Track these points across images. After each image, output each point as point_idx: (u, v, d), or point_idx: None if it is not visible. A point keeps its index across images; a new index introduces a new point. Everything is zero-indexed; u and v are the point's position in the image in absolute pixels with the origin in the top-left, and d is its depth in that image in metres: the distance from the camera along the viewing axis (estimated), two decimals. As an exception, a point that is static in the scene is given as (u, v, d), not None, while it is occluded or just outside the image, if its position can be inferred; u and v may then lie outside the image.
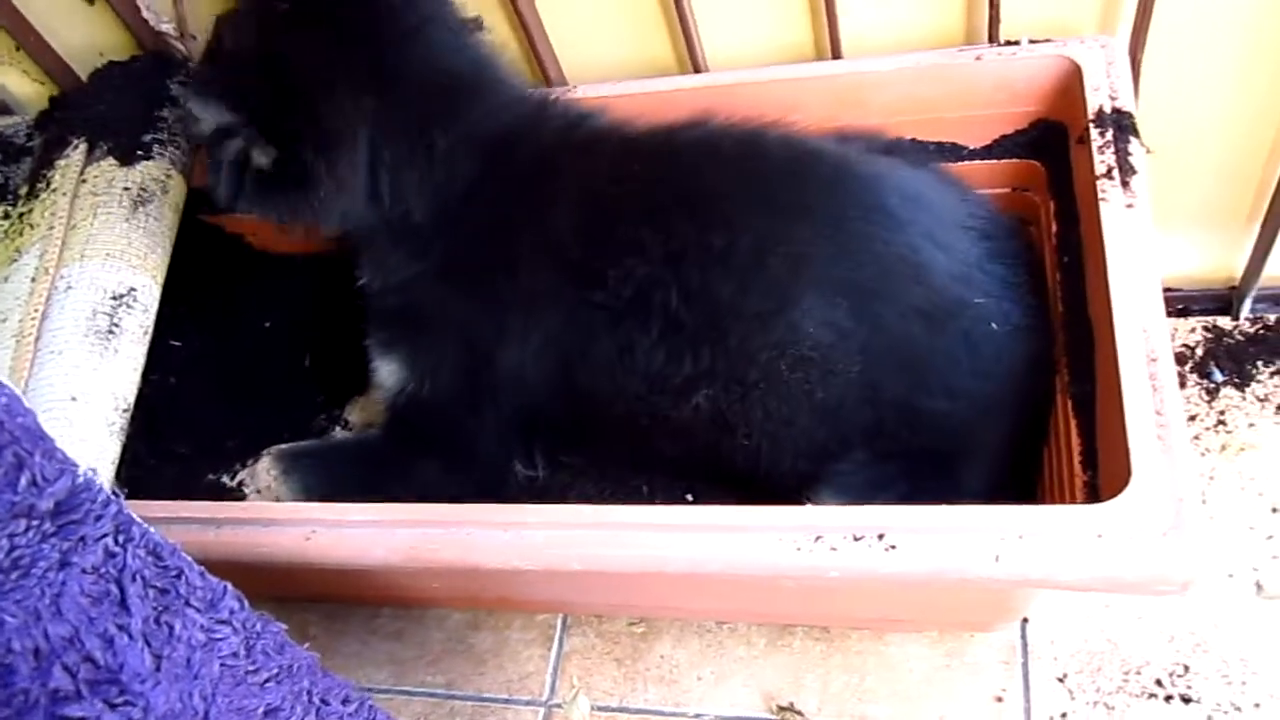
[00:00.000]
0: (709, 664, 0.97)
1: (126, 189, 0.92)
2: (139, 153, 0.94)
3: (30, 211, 0.93)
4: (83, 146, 0.95)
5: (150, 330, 0.90)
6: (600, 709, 0.97)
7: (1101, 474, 0.70)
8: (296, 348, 1.13)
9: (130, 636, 0.42)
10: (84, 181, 0.92)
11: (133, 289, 0.89)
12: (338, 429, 1.07)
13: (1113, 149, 0.78)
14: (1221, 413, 0.99)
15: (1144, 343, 0.68)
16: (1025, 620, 0.92)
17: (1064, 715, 0.87)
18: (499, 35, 0.98)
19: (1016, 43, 0.87)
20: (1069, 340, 0.79)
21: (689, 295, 0.79)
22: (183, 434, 1.04)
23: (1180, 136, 0.91)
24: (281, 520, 0.77)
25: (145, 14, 1.00)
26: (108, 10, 1.02)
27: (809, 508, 0.68)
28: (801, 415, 0.80)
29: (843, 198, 0.80)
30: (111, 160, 0.93)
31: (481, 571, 0.74)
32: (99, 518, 0.45)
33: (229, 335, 1.12)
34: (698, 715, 0.94)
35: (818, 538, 0.66)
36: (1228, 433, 0.98)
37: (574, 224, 0.84)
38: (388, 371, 0.93)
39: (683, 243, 0.80)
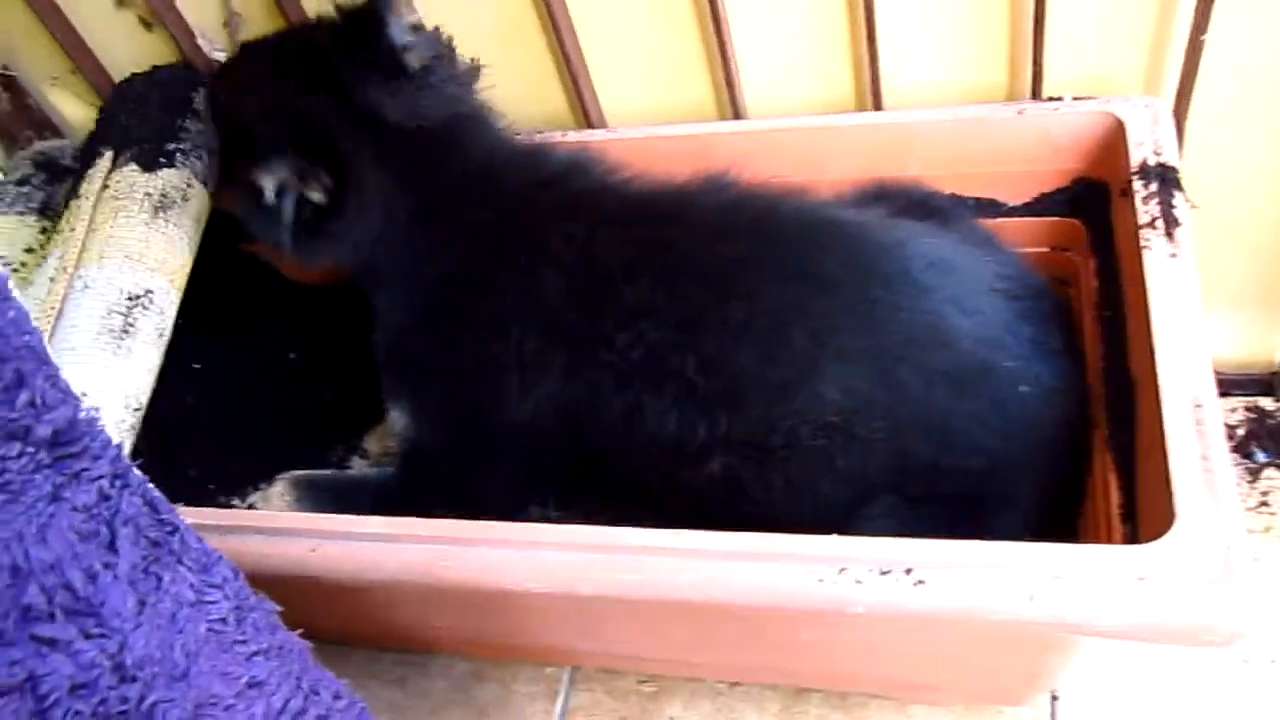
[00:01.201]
0: (719, 728, 0.93)
1: (148, 194, 0.92)
2: (161, 160, 0.95)
3: (60, 220, 0.94)
4: (109, 154, 0.96)
5: (167, 334, 0.90)
6: (604, 768, 0.93)
7: (1142, 523, 0.67)
8: (319, 379, 1.12)
9: (115, 577, 0.40)
10: (106, 187, 0.93)
11: (149, 291, 0.88)
12: (355, 458, 1.05)
13: (1157, 200, 0.76)
14: (1265, 494, 0.96)
15: (1189, 388, 0.66)
16: (1055, 698, 0.87)
17: (1095, 802, 0.82)
18: (542, 75, 1.00)
19: (1060, 99, 0.86)
20: (1109, 394, 0.76)
21: (705, 362, 0.78)
22: (198, 457, 1.03)
23: (1220, 216, 0.90)
24: (289, 530, 0.74)
25: (200, 40, 1.02)
26: (164, 34, 1.04)
27: (835, 538, 0.65)
28: (824, 481, 0.78)
29: (864, 267, 0.79)
30: (134, 166, 0.94)
31: (491, 595, 0.71)
32: (97, 457, 0.43)
33: (252, 362, 1.12)
34: (705, 780, 0.90)
35: (842, 569, 0.63)
36: (1270, 514, 0.94)
37: (568, 284, 0.83)
38: (395, 416, 0.92)
39: (700, 310, 0.79)
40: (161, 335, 0.89)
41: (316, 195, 0.86)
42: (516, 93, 0.96)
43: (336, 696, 0.53)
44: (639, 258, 0.81)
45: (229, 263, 1.12)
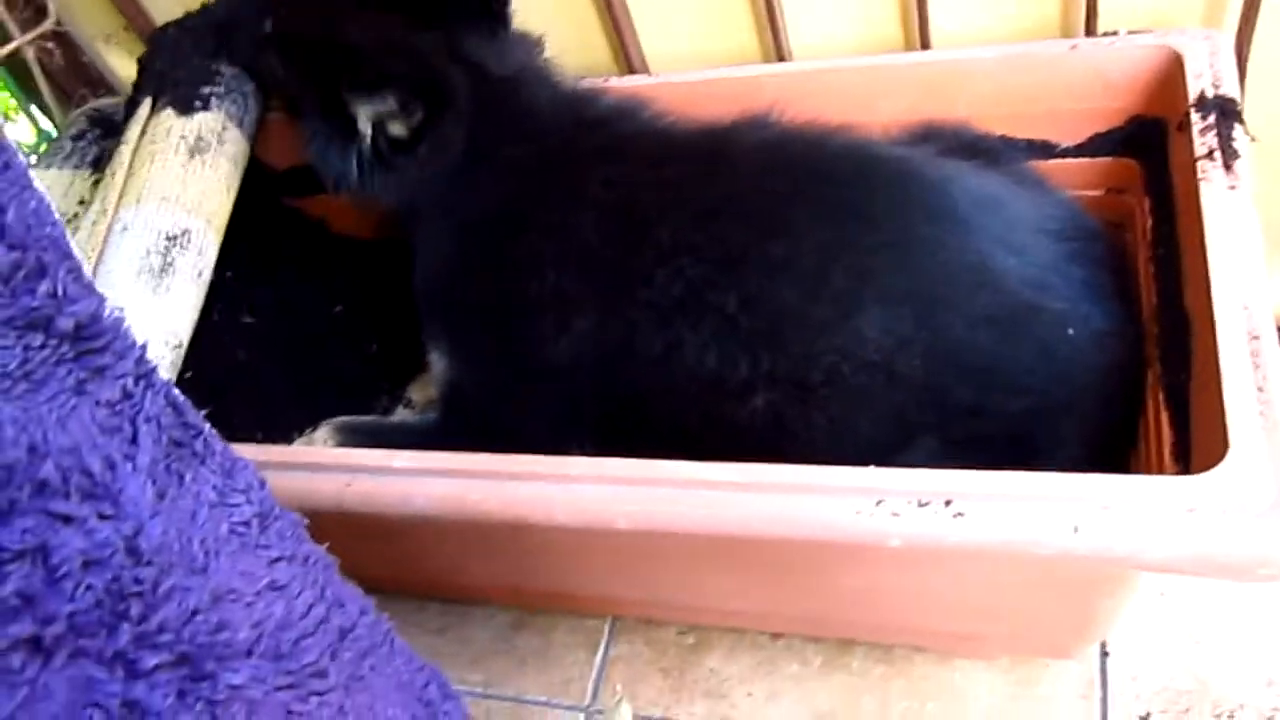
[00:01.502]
0: (760, 680, 0.92)
1: (183, 137, 0.93)
2: (196, 104, 0.96)
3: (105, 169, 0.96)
4: (147, 102, 0.97)
5: (206, 273, 0.91)
6: (643, 719, 0.92)
7: (1195, 458, 0.64)
8: (365, 332, 1.13)
9: (135, 468, 0.40)
10: (144, 133, 0.94)
11: (187, 230, 0.89)
12: (400, 408, 1.06)
13: (1215, 132, 0.73)
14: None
15: (1245, 320, 0.63)
16: (1105, 654, 0.85)
17: (1146, 756, 0.79)
18: (586, 23, 0.99)
19: (1115, 33, 0.84)
20: (1163, 333, 0.74)
21: (746, 298, 0.77)
22: (247, 408, 1.04)
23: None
24: (325, 465, 0.75)
25: (250, -7, 1.03)
26: (215, -10, 1.05)
27: (872, 469, 0.64)
28: (865, 419, 0.76)
29: (909, 204, 0.77)
30: (170, 111, 0.95)
31: (526, 531, 0.71)
32: (121, 356, 0.43)
33: (301, 317, 1.12)
34: (745, 731, 0.89)
35: (879, 501, 0.62)
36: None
37: (606, 224, 0.82)
38: (435, 359, 0.93)
39: (741, 247, 0.78)
40: (200, 274, 0.90)
41: (398, 130, 0.88)
42: (560, 40, 0.95)
43: (363, 612, 0.53)
44: (678, 197, 0.81)
45: (277, 219, 1.13)
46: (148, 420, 0.43)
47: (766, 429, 0.78)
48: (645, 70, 1.00)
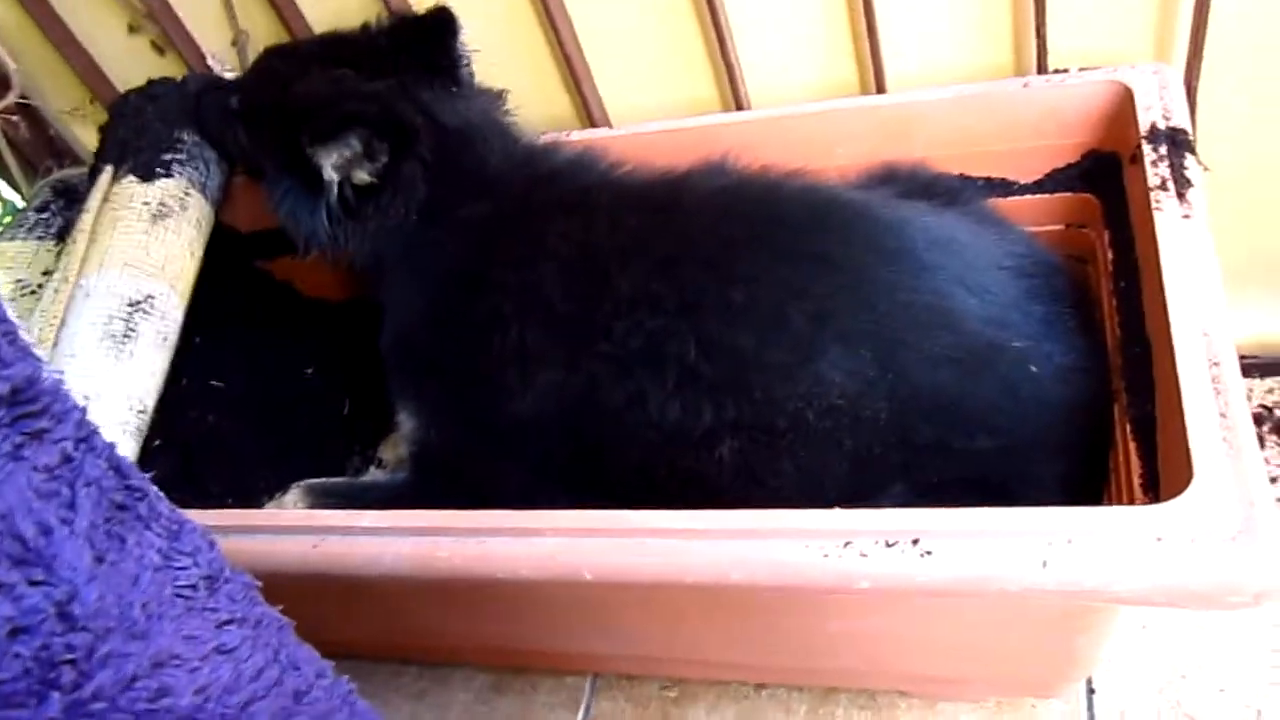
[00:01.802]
0: (745, 732, 0.90)
1: (146, 203, 0.94)
2: (159, 170, 0.96)
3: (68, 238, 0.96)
4: (109, 170, 0.97)
5: (171, 337, 0.90)
6: (626, 777, 0.91)
7: (1163, 488, 0.64)
8: (336, 394, 1.13)
9: (72, 532, 0.39)
10: (107, 200, 0.95)
11: (150, 296, 0.89)
12: (372, 468, 1.05)
13: (1167, 163, 0.74)
14: (1307, 471, 0.92)
15: (1205, 347, 0.63)
16: (1092, 691, 0.84)
17: (1136, 795, 0.78)
18: (545, 78, 1.00)
19: (1065, 71, 0.85)
20: (1126, 364, 0.74)
21: (707, 346, 0.77)
22: (218, 472, 1.03)
23: (1256, 185, 0.87)
24: (291, 527, 0.74)
25: (210, 61, 1.04)
26: (176, 58, 1.06)
27: (838, 511, 0.63)
28: (832, 463, 0.76)
29: (865, 246, 0.78)
30: (132, 178, 0.96)
31: (496, 588, 0.70)
32: (60, 420, 0.42)
33: (271, 379, 1.12)
34: (729, 784, 0.87)
35: (847, 543, 0.61)
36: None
37: (564, 276, 0.82)
38: (404, 418, 0.92)
39: (698, 294, 0.78)
40: (165, 339, 0.90)
41: (363, 176, 0.88)
42: (522, 97, 0.96)
43: (320, 674, 0.51)
44: (634, 245, 0.81)
45: (245, 282, 1.13)
46: (88, 484, 0.42)
47: (734, 477, 0.77)
48: (607, 123, 1.01)
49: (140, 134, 0.98)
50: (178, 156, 0.98)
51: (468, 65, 0.94)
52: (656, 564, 0.65)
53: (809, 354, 0.74)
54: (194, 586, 0.45)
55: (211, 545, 0.48)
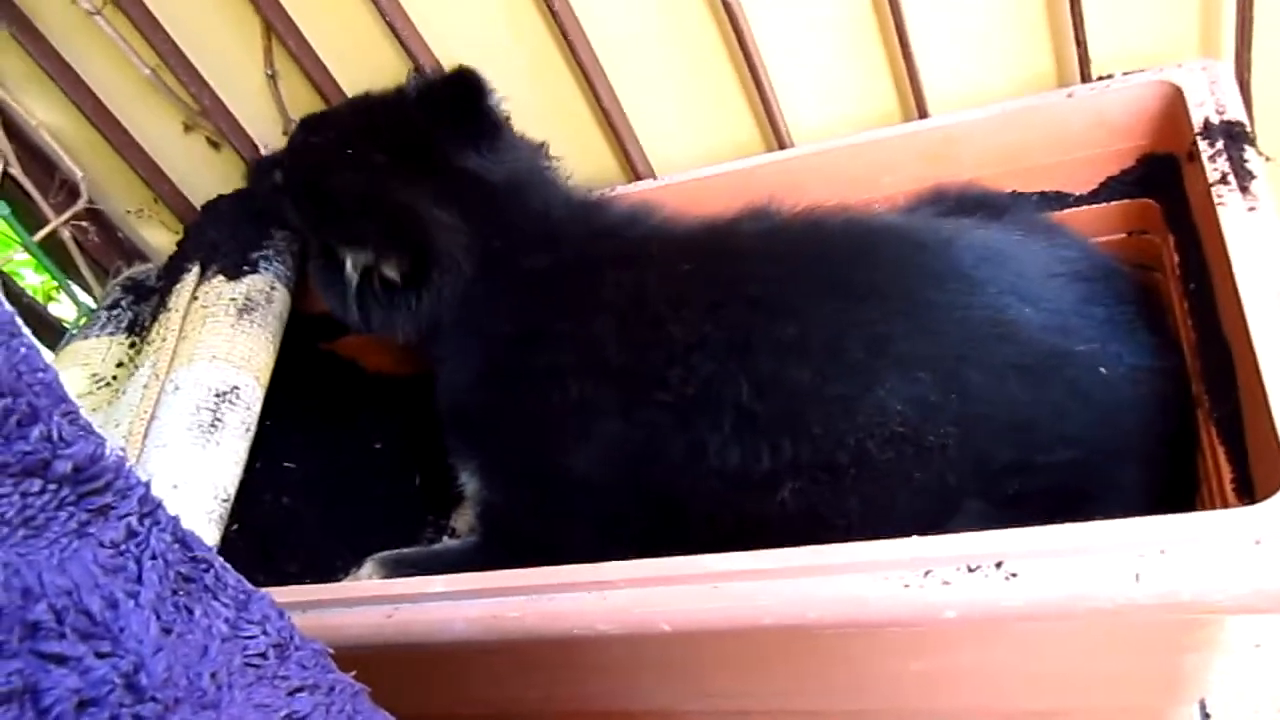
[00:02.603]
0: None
1: (233, 299, 0.96)
2: (245, 268, 0.99)
3: (150, 333, 0.99)
4: (196, 269, 1.00)
5: (253, 427, 0.92)
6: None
7: (1258, 491, 0.61)
8: (406, 466, 1.13)
9: (138, 605, 0.39)
10: (195, 299, 0.97)
11: (235, 387, 0.91)
12: (445, 538, 1.05)
13: (1225, 157, 0.72)
14: None
15: (1288, 340, 0.60)
16: (1207, 715, 0.79)
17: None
18: (586, 133, 1.01)
19: (1109, 76, 0.83)
20: (1205, 366, 0.71)
21: (760, 387, 0.76)
22: (293, 554, 1.04)
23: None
24: (365, 599, 0.73)
25: (264, 152, 1.07)
26: (231, 152, 1.10)
27: (915, 539, 0.61)
28: (901, 494, 0.74)
29: (911, 270, 0.77)
30: (221, 277, 0.98)
31: (568, 646, 0.69)
32: (124, 495, 0.43)
33: (341, 457, 1.13)
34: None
35: (927, 572, 0.59)
36: None
37: (619, 329, 0.82)
38: (467, 479, 0.92)
39: (747, 334, 0.77)
40: (248, 429, 0.92)
41: (390, 273, 0.89)
42: (563, 152, 0.97)
43: (397, 740, 0.51)
44: (684, 292, 0.81)
45: (312, 363, 1.15)
46: (154, 557, 0.42)
47: (799, 519, 0.75)
48: (651, 174, 1.01)
49: (229, 234, 1.02)
50: (264, 253, 1.01)
51: (507, 119, 0.94)
52: (732, 608, 0.63)
53: (866, 383, 0.73)
54: (264, 655, 0.45)
55: (281, 614, 0.48)
